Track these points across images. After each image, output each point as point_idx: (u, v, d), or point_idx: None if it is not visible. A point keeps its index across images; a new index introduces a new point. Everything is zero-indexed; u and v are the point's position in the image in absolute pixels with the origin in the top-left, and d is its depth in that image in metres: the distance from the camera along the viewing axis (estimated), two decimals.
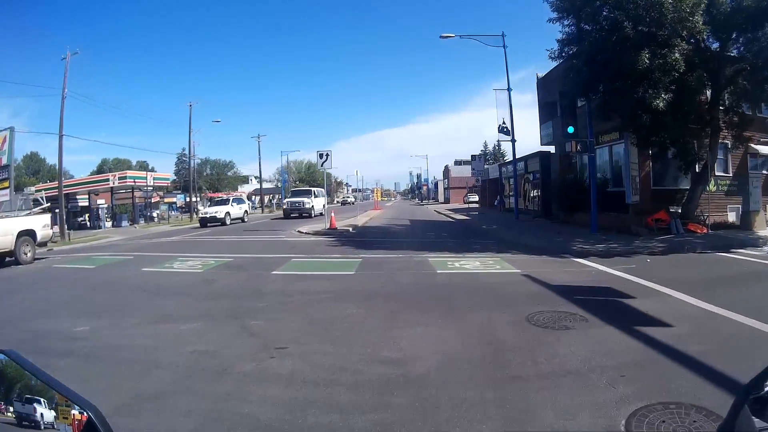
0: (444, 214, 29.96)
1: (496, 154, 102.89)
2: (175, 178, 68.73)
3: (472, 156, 20.37)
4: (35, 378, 0.93)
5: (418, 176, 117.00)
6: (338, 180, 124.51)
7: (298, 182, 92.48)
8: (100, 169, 66.64)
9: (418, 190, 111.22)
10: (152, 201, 62.14)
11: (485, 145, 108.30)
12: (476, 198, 55.40)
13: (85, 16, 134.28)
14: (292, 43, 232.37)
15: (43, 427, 0.92)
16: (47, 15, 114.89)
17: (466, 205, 44.80)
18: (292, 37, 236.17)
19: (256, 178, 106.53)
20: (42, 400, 0.92)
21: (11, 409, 0.94)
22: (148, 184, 41.76)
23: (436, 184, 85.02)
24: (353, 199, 77.76)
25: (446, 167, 70.71)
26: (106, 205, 44.79)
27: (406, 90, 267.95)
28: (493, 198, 37.59)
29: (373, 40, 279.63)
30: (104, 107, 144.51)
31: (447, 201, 65.61)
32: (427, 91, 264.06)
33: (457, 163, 70.66)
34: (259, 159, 56.73)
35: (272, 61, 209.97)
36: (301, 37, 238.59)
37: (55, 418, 0.91)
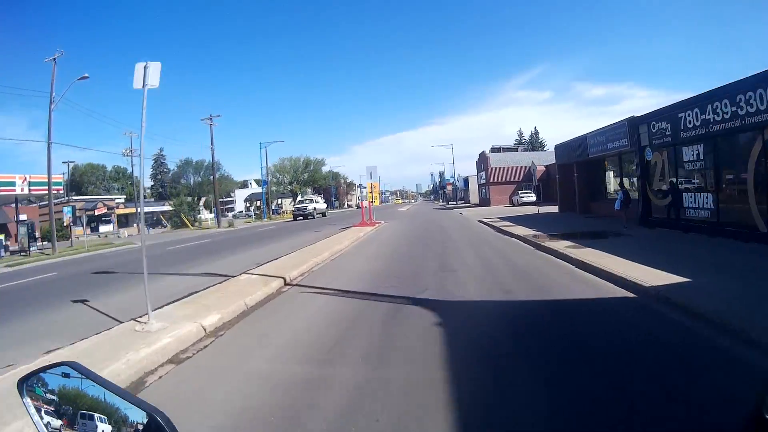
0: (532, 244, 11.89)
1: (534, 144, 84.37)
2: (152, 184, 54.51)
3: None
4: (101, 387, 0.90)
5: (441, 174, 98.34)
6: (349, 181, 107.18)
7: (293, 183, 75.39)
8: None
9: (441, 191, 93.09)
10: (95, 213, 47.40)
11: (520, 134, 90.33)
12: (533, 197, 37.12)
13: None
14: (302, 49, 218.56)
15: None
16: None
17: (535, 209, 25.80)
18: (301, 44, 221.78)
19: (257, 182, 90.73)
20: (109, 409, 0.88)
21: (77, 421, 0.90)
22: (20, 191, 26.66)
23: (465, 181, 65.20)
24: (317, 206, 41.63)
25: (482, 155, 50.66)
26: None
27: (420, 92, 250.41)
28: (589, 195, 19.95)
29: (387, 43, 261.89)
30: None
31: (485, 202, 46.92)
32: (441, 91, 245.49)
33: (495, 150, 51.79)
34: (212, 148, 40.98)
35: (283, 68, 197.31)
36: (311, 43, 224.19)
37: (122, 425, 0.87)
